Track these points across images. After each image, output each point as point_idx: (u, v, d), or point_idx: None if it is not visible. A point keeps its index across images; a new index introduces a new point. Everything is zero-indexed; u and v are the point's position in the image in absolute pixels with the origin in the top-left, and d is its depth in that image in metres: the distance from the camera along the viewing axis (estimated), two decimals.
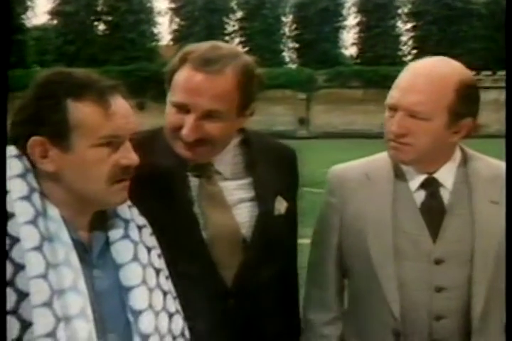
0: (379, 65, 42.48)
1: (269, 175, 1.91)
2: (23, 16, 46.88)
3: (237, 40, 52.30)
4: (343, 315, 2.05)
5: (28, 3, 47.33)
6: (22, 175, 1.44)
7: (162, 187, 1.80)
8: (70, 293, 1.39)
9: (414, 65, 1.86)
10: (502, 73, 33.88)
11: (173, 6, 52.82)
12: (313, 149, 18.42)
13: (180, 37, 49.08)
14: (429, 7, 50.32)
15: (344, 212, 1.97)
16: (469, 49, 47.50)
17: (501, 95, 33.26)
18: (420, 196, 1.89)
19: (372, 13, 51.62)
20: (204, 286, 1.80)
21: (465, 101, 1.79)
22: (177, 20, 52.90)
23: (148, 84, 34.01)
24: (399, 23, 53.81)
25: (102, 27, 49.94)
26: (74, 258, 1.43)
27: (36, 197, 1.43)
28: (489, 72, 39.03)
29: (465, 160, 1.92)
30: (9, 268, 1.35)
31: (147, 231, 1.62)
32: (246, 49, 47.07)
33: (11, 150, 1.46)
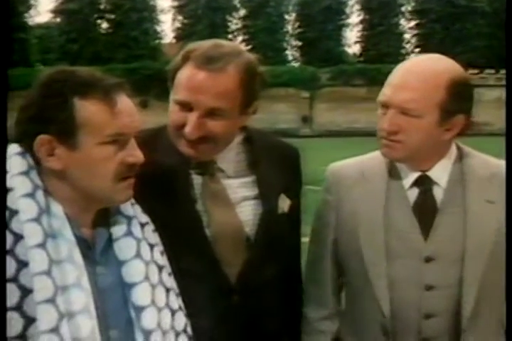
0: (382, 63, 42.32)
1: (272, 173, 1.91)
2: (26, 15, 46.88)
3: (240, 38, 52.28)
4: (340, 312, 2.06)
5: (31, 1, 47.33)
6: (26, 173, 1.45)
7: (165, 185, 1.80)
8: (73, 290, 1.40)
9: (406, 63, 1.86)
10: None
11: (176, 4, 52.81)
12: (316, 147, 18.40)
13: (184, 35, 49.07)
14: (432, 5, 50.25)
15: (339, 209, 1.97)
16: (473, 47, 47.45)
17: (505, 93, 33.21)
18: (413, 194, 1.89)
19: (376, 11, 51.56)
20: (208, 283, 1.81)
21: (457, 99, 1.78)
22: (180, 18, 52.90)
23: (152, 83, 34.01)
24: (402, 21, 53.77)
25: (105, 25, 49.96)
26: (77, 254, 1.44)
27: (40, 195, 1.44)
28: (492, 71, 38.97)
29: (461, 158, 1.91)
30: (13, 265, 1.37)
31: (150, 228, 1.63)
32: (249, 47, 47.06)
33: (15, 147, 1.47)
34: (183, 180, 1.84)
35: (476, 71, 39.40)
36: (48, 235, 1.40)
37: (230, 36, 50.28)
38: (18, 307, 1.35)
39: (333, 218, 1.99)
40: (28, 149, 1.46)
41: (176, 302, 1.59)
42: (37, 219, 1.40)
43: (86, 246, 1.49)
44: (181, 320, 1.59)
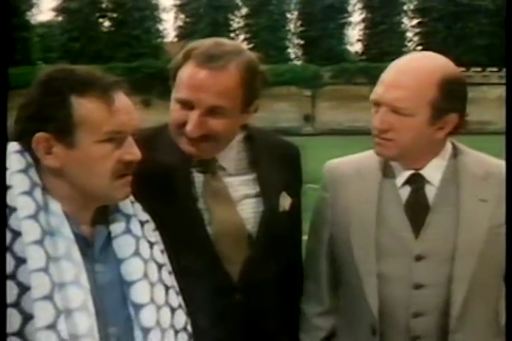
0: (384, 61, 42.00)
1: (273, 171, 1.91)
2: (28, 13, 46.98)
3: (242, 36, 52.35)
4: (337, 309, 2.06)
5: (33, 0, 47.39)
6: (24, 171, 1.45)
7: (167, 183, 1.80)
8: (71, 287, 1.41)
9: (398, 61, 1.85)
10: None
11: (178, 2, 52.90)
12: (318, 146, 18.41)
13: (186, 33, 49.15)
14: (434, 3, 50.25)
15: (335, 206, 1.98)
16: (475, 45, 47.44)
17: None
18: (405, 192, 1.89)
19: (378, 10, 51.60)
20: (210, 282, 1.81)
21: (449, 97, 1.77)
22: (182, 16, 53.00)
23: (154, 81, 34.04)
24: (404, 20, 53.86)
25: (107, 24, 50.07)
26: (75, 252, 1.44)
27: (38, 192, 1.44)
28: (495, 69, 38.95)
29: (455, 157, 1.91)
30: (11, 262, 1.37)
31: (150, 226, 1.63)
32: (251, 46, 47.13)
33: (14, 145, 1.48)
34: (184, 179, 1.84)
35: (478, 69, 39.42)
36: (46, 232, 1.41)
37: (231, 35, 50.37)
38: (16, 304, 1.36)
39: (329, 215, 1.99)
40: (26, 147, 1.46)
41: (176, 300, 1.59)
42: (34, 217, 1.40)
43: (85, 244, 1.50)
44: (181, 318, 1.59)
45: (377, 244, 1.86)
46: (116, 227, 1.56)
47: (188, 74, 1.73)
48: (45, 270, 1.37)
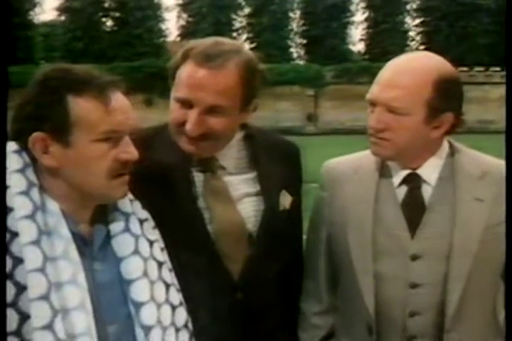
0: (387, 60, 41.99)
1: (273, 170, 1.92)
2: (31, 13, 47.01)
3: (244, 36, 52.34)
4: (336, 308, 2.06)
5: None
6: (21, 170, 1.45)
7: (167, 182, 1.81)
8: (68, 286, 1.41)
9: (394, 61, 1.86)
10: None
11: (180, 2, 52.90)
12: (321, 145, 18.41)
13: (188, 33, 49.15)
14: (437, 3, 50.18)
15: (332, 205, 1.98)
16: (478, 45, 47.37)
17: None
18: (402, 192, 1.89)
19: (380, 9, 51.54)
20: (211, 280, 1.81)
21: (444, 96, 1.77)
22: (185, 16, 52.99)
23: (156, 81, 34.03)
24: (407, 19, 53.78)
25: (109, 23, 50.07)
26: (73, 251, 1.45)
27: (35, 192, 1.44)
28: (498, 68, 38.88)
29: (452, 156, 1.91)
30: (9, 262, 1.38)
31: (149, 224, 1.63)
32: (254, 45, 47.14)
33: (11, 145, 1.48)
34: (184, 178, 1.84)
35: (481, 69, 39.36)
36: (43, 232, 1.41)
37: (234, 34, 50.37)
38: (14, 304, 1.36)
39: (327, 214, 2.00)
40: (24, 147, 1.47)
41: (177, 297, 1.60)
42: (31, 216, 1.41)
43: (83, 243, 1.50)
44: (182, 316, 1.59)
45: (374, 243, 1.86)
46: (115, 226, 1.56)
47: (187, 73, 1.73)
48: (42, 270, 1.38)
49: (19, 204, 1.41)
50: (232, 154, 1.90)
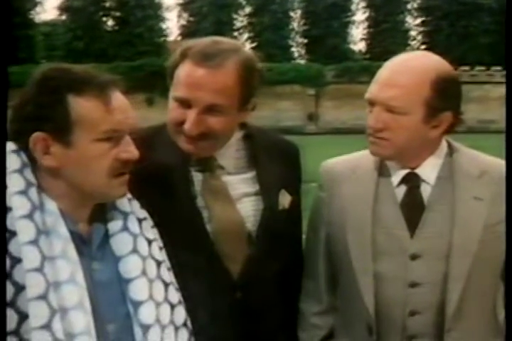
0: (388, 60, 42.26)
1: (272, 169, 1.92)
2: (32, 12, 47.03)
3: (245, 35, 52.32)
4: (335, 308, 2.06)
5: None
6: (19, 170, 1.45)
7: (166, 182, 1.81)
8: (66, 285, 1.41)
9: (393, 61, 1.86)
10: None
11: (181, 1, 52.89)
12: (322, 145, 18.40)
13: (189, 32, 49.07)
14: (438, 2, 50.15)
15: (331, 205, 1.98)
16: (479, 44, 47.34)
17: None
18: (401, 191, 1.89)
19: (381, 8, 51.52)
20: (210, 279, 1.81)
21: (443, 96, 1.77)
22: (185, 15, 52.98)
23: (157, 80, 33.96)
24: (408, 18, 53.78)
25: (110, 22, 50.07)
26: (71, 250, 1.45)
27: (33, 192, 1.44)
28: (499, 68, 38.84)
29: (451, 155, 1.91)
30: (7, 262, 1.38)
31: (148, 223, 1.63)
32: (255, 44, 47.11)
33: (9, 145, 1.47)
34: (183, 177, 1.84)
35: (482, 68, 39.32)
36: (41, 232, 1.41)
37: (235, 33, 50.36)
38: (12, 304, 1.37)
39: (326, 214, 2.00)
40: (23, 147, 1.46)
41: (176, 296, 1.60)
42: (29, 216, 1.41)
43: (82, 242, 1.50)
44: (181, 315, 1.59)
45: (373, 243, 1.86)
46: (114, 225, 1.56)
47: (185, 72, 1.73)
48: (40, 270, 1.38)
49: (17, 204, 1.41)
50: (231, 154, 1.90)
